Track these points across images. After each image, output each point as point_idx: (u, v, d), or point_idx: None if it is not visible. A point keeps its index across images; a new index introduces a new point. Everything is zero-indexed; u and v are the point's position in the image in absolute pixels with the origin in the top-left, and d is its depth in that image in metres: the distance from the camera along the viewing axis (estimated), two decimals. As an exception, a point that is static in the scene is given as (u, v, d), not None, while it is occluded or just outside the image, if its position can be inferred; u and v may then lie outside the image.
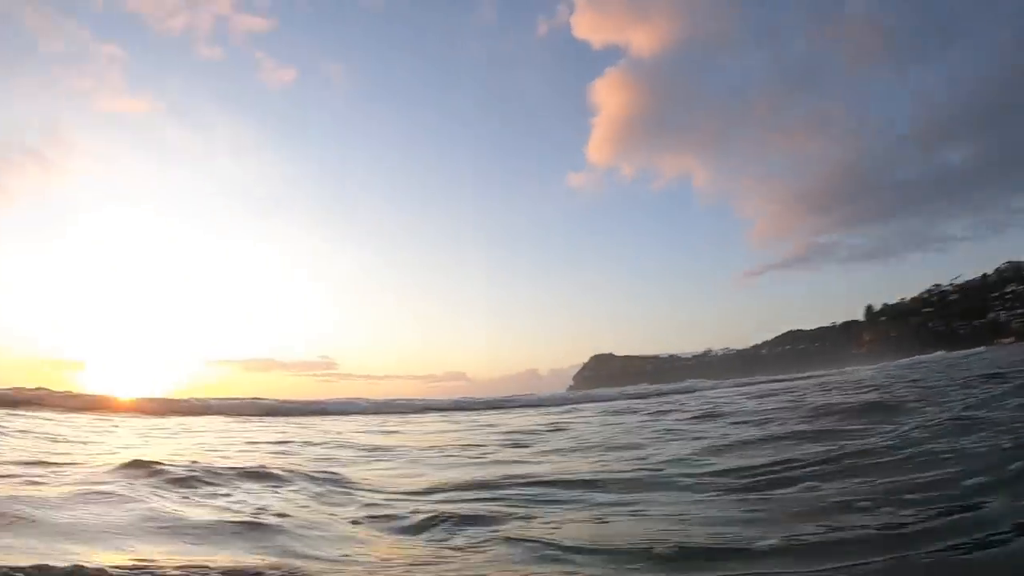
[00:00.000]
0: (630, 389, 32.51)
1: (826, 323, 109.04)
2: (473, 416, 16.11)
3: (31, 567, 2.01)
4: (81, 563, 2.09)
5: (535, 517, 3.23)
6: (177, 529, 2.85)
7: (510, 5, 73.91)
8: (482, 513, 3.32)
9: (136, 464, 4.53)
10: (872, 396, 8.90)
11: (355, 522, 3.30)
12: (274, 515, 3.25)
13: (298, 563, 2.37)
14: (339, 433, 10.38)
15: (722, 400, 13.77)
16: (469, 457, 6.30)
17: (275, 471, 4.74)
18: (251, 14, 58.33)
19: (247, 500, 3.71)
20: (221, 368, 72.17)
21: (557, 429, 9.47)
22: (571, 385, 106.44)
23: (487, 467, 5.46)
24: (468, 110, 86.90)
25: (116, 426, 11.42)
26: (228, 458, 6.05)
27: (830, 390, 12.34)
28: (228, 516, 3.15)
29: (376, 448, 7.44)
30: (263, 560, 2.37)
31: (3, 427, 8.83)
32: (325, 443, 8.19)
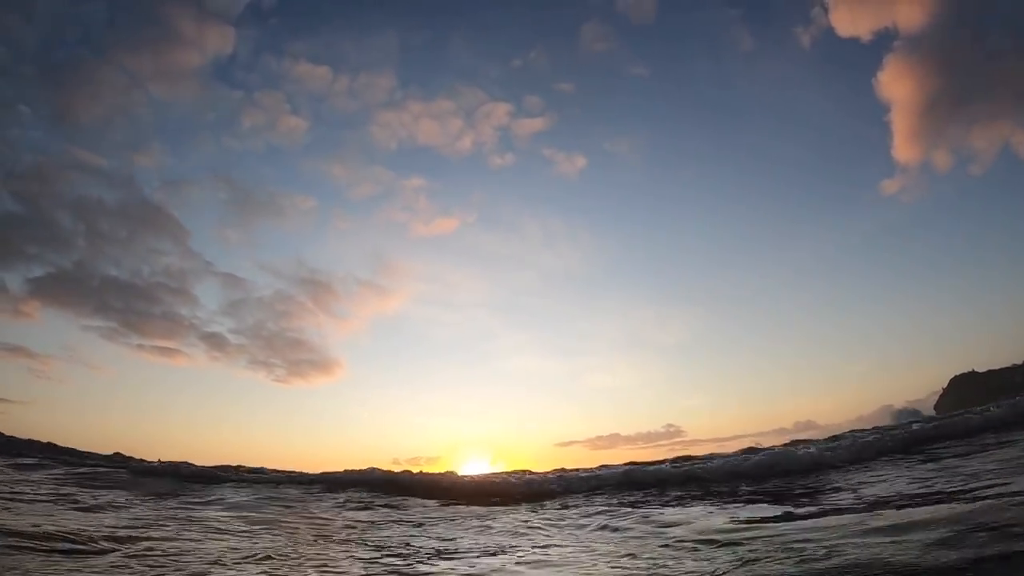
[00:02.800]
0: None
1: None
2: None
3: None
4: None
5: None
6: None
7: (763, 26, 68.63)
8: None
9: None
10: None
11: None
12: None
13: None
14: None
15: None
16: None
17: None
18: (529, 117, 67.46)
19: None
20: (568, 450, 79.37)
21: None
22: (933, 416, 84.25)
23: None
24: (756, 145, 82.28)
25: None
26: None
27: None
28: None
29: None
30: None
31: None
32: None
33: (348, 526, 7.43)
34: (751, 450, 14.61)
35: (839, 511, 6.00)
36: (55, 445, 19.07)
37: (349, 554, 5.54)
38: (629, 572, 4.47)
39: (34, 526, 5.56)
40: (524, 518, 7.96)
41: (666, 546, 5.23)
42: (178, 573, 4.31)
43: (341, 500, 10.13)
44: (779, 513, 6.33)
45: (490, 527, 7.30)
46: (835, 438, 14.50)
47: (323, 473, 14.06)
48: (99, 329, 52.12)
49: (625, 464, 17.15)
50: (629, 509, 7.90)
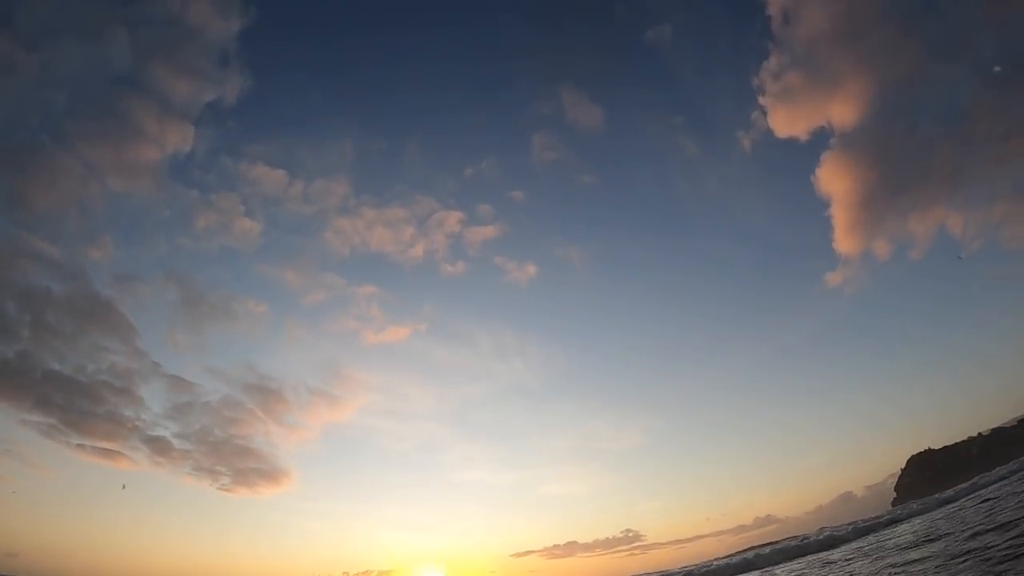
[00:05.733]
0: (949, 493, 25.40)
1: None
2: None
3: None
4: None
5: None
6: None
7: (706, 132, 76.11)
8: None
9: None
10: None
11: None
12: None
13: None
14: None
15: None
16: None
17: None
18: (479, 225, 69.29)
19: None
20: (525, 560, 75.06)
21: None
22: (894, 498, 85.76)
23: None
24: (702, 248, 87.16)
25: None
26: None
27: None
28: None
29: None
30: None
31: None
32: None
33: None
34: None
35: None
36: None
37: None
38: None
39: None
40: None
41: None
42: None
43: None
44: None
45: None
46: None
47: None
48: (38, 425, 50.41)
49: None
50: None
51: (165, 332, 65.93)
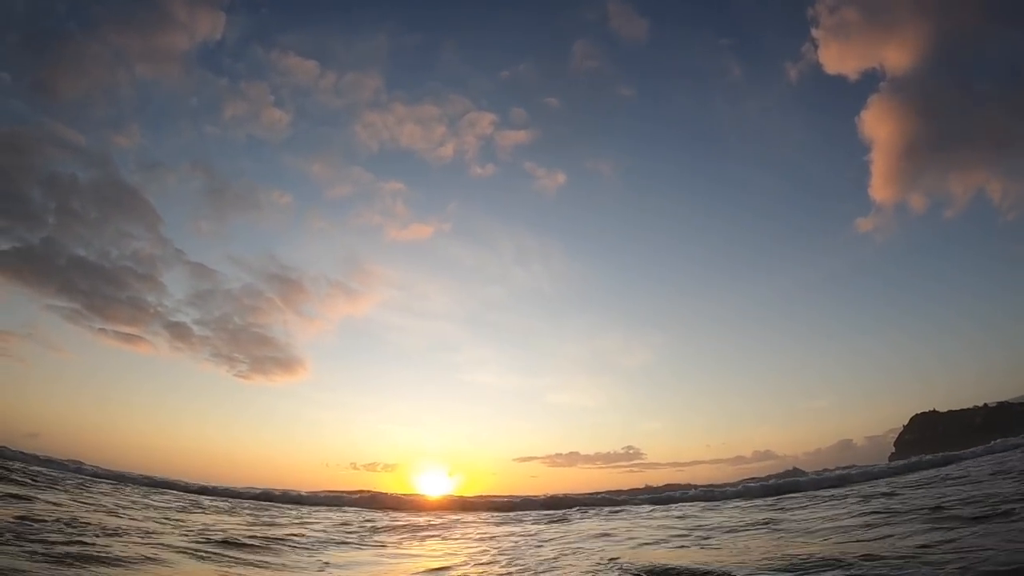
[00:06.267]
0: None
1: None
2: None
3: None
4: None
5: None
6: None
7: (753, 58, 70.51)
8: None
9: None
10: None
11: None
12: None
13: None
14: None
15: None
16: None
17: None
18: (512, 129, 66.45)
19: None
20: (527, 465, 78.34)
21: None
22: (892, 453, 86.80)
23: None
24: (734, 173, 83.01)
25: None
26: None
27: None
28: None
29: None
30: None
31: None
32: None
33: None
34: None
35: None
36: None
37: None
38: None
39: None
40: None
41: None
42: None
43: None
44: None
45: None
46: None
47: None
48: (62, 309, 51.26)
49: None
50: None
51: (189, 220, 65.94)
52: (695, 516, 11.81)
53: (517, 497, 26.22)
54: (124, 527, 7.96)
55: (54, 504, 9.55)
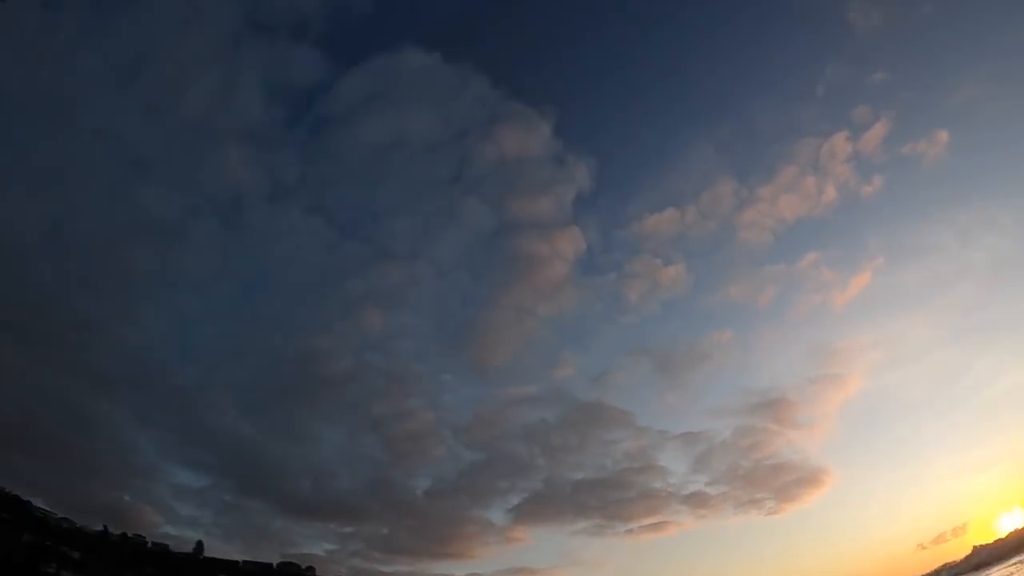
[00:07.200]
0: None
1: None
2: None
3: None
4: None
5: None
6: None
7: None
8: None
9: None
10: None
11: None
12: None
13: None
14: None
15: None
16: None
17: None
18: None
19: None
20: None
21: None
22: None
23: None
24: None
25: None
26: None
27: None
28: None
29: None
30: None
31: None
32: None
33: None
34: None
35: None
36: None
37: None
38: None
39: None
40: None
41: None
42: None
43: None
44: None
45: None
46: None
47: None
48: (586, 529, 68.55)
49: None
50: None
51: (654, 401, 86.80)
52: None
53: None
54: None
55: None
